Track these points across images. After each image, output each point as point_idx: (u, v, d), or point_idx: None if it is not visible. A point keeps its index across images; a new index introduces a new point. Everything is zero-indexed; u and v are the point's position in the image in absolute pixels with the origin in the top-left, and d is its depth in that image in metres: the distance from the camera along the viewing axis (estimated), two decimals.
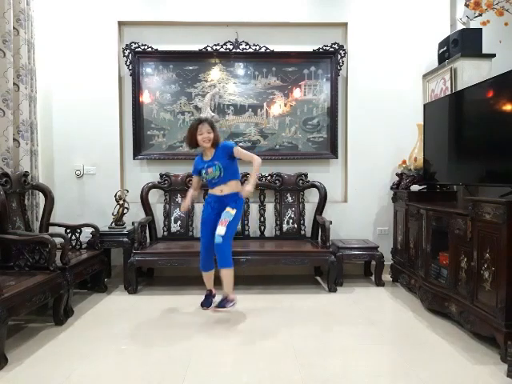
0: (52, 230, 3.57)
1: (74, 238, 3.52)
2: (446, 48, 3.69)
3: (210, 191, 3.14)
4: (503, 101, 2.66)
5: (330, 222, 3.70)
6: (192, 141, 3.08)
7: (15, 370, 2.20)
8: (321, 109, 4.18)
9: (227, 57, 4.12)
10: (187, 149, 3.31)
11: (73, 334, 2.68)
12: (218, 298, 3.16)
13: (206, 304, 3.18)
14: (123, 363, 2.30)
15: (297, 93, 4.16)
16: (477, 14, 3.07)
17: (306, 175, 4.14)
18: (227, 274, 2.97)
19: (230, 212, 2.97)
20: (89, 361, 2.30)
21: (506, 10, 2.95)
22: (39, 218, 3.57)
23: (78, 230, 3.54)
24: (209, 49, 4.07)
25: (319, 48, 4.10)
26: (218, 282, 3.14)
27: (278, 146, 4.18)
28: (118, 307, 3.21)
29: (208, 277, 3.20)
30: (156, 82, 4.14)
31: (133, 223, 3.68)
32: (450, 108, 3.32)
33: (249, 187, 2.92)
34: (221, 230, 2.91)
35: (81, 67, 4.06)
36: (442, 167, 3.41)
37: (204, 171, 3.06)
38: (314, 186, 4.10)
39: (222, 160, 3.00)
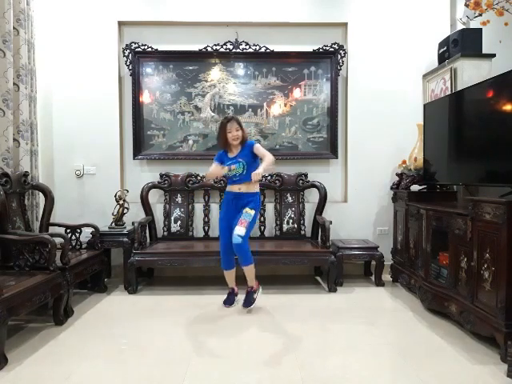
0: (52, 230, 3.57)
1: (74, 238, 3.52)
2: (445, 48, 3.69)
3: (229, 188, 3.15)
4: (503, 101, 2.66)
5: (330, 222, 3.71)
6: (224, 140, 3.08)
7: (15, 370, 2.20)
8: (321, 109, 4.18)
9: (227, 57, 4.12)
10: (220, 146, 3.19)
11: (73, 334, 2.68)
12: (239, 297, 3.24)
13: (228, 302, 3.18)
14: (123, 363, 2.30)
15: (297, 93, 4.16)
16: (477, 14, 3.07)
17: (306, 175, 4.14)
18: (249, 270, 3.06)
19: (249, 213, 3.01)
20: (89, 361, 2.30)
21: (506, 10, 2.95)
22: (39, 218, 3.57)
23: (78, 230, 3.54)
24: (209, 49, 4.07)
25: (319, 48, 4.10)
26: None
27: (277, 146, 4.18)
28: (117, 307, 3.21)
29: (230, 275, 3.20)
30: (156, 82, 4.14)
31: (133, 223, 3.68)
32: (450, 108, 3.32)
33: (259, 170, 2.90)
34: (240, 230, 2.93)
35: (81, 67, 4.06)
36: (442, 167, 3.41)
37: (227, 167, 3.05)
38: (313, 185, 4.10)
39: (247, 158, 3.04)
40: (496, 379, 2.10)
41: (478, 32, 3.45)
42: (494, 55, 3.42)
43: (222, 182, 4.03)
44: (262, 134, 4.17)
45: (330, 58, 4.13)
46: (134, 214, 3.96)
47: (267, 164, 2.95)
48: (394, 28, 4.13)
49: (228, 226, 3.08)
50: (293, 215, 4.10)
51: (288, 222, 4.09)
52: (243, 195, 3.07)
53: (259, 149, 3.07)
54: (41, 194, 3.61)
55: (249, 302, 3.11)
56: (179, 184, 4.09)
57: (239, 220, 2.97)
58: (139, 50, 4.06)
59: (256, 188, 3.14)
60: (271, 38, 4.13)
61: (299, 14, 4.11)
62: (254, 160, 3.09)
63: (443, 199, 3.54)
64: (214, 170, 3.07)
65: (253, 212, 3.03)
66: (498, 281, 2.33)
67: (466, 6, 3.21)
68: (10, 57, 3.25)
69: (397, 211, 3.87)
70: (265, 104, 4.15)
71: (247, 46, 4.08)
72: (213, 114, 4.15)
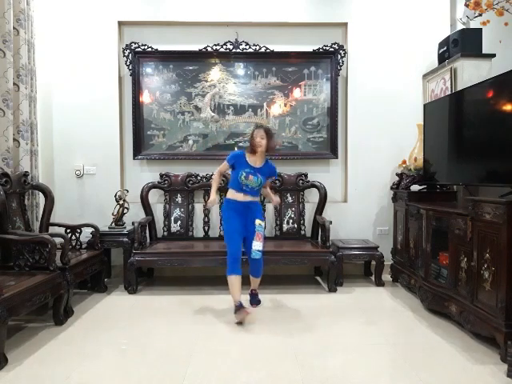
0: (52, 230, 3.57)
1: (74, 238, 3.52)
2: (445, 48, 3.69)
3: (232, 196, 3.07)
4: (503, 101, 2.66)
5: (330, 222, 3.71)
6: (252, 145, 3.09)
7: (15, 369, 2.20)
8: (321, 109, 4.18)
9: (227, 57, 4.12)
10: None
11: (73, 334, 2.68)
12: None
13: (240, 312, 2.86)
14: (123, 363, 2.30)
15: (297, 93, 4.16)
16: (477, 14, 3.07)
17: (306, 175, 4.14)
18: (258, 280, 3.22)
19: (262, 225, 3.03)
20: (89, 361, 2.30)
21: (506, 10, 2.95)
22: (39, 218, 3.57)
23: (78, 230, 3.54)
24: (209, 49, 4.07)
25: (319, 48, 4.10)
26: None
27: (277, 146, 4.17)
28: (118, 307, 3.21)
29: (237, 282, 2.93)
30: (156, 82, 4.14)
31: (133, 223, 3.68)
32: (450, 108, 3.32)
33: (277, 198, 3.39)
34: (258, 245, 2.97)
35: (81, 67, 4.06)
36: (442, 167, 3.41)
37: (245, 174, 2.99)
38: (313, 186, 4.10)
39: (264, 177, 3.10)
40: (496, 379, 2.10)
41: (478, 32, 3.45)
42: (493, 55, 3.42)
43: (222, 181, 4.02)
44: None
45: (329, 58, 4.13)
46: (134, 214, 3.96)
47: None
48: (394, 28, 4.13)
49: (239, 238, 3.02)
50: (293, 215, 4.10)
51: (288, 222, 4.09)
52: (251, 204, 3.08)
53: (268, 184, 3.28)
54: (41, 193, 3.60)
55: (257, 300, 3.26)
56: (179, 184, 4.09)
57: (256, 234, 2.97)
58: (139, 50, 4.06)
59: (258, 198, 3.21)
60: (271, 38, 4.13)
61: (299, 14, 4.11)
62: (266, 181, 3.18)
63: (443, 199, 3.55)
64: (213, 194, 3.10)
65: (263, 223, 3.08)
66: (498, 281, 2.33)
67: (466, 5, 3.21)
68: (9, 57, 3.25)
69: (397, 211, 3.87)
70: (265, 104, 4.15)
71: (247, 46, 4.08)
72: (213, 114, 4.15)
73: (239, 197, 3.04)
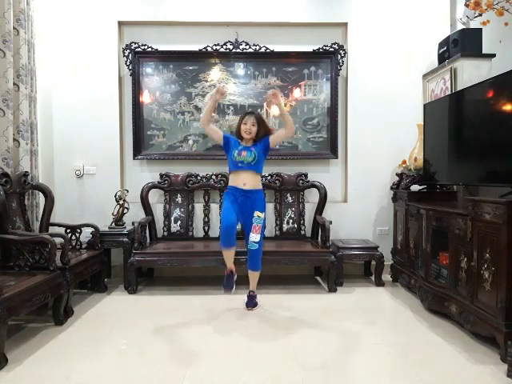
0: (52, 230, 3.56)
1: (74, 237, 3.52)
2: (445, 48, 3.69)
3: (232, 182, 3.10)
4: (503, 101, 2.66)
5: (330, 222, 3.71)
6: (238, 130, 3.12)
7: (15, 370, 2.20)
8: (321, 109, 4.18)
9: (227, 57, 4.12)
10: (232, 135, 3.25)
11: (73, 334, 2.68)
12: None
13: (228, 286, 3.08)
14: (123, 363, 2.30)
15: (297, 93, 4.16)
16: (477, 14, 3.07)
17: (306, 175, 4.14)
18: (256, 275, 3.16)
19: (260, 217, 3.00)
20: (89, 361, 2.30)
21: (506, 10, 2.95)
22: (39, 218, 3.57)
23: (78, 230, 3.54)
24: (209, 49, 4.07)
25: (319, 48, 4.10)
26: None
27: (277, 146, 4.16)
28: (118, 307, 3.21)
29: (229, 254, 3.05)
30: (156, 82, 4.14)
31: (133, 223, 3.68)
32: (449, 108, 3.32)
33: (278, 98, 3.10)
34: (256, 237, 2.97)
35: (81, 67, 4.05)
36: (442, 167, 3.41)
37: (237, 152, 3.04)
38: (313, 185, 4.10)
39: (259, 150, 3.06)
40: (496, 379, 2.10)
41: (478, 32, 3.45)
42: (494, 55, 3.42)
43: (222, 181, 4.04)
44: None
45: (329, 58, 4.12)
46: (134, 214, 3.96)
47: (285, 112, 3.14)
48: (394, 28, 4.13)
49: (233, 212, 2.98)
50: (293, 215, 4.10)
51: (288, 222, 4.09)
52: (249, 192, 3.05)
53: (274, 135, 3.15)
54: (41, 193, 3.60)
55: (253, 303, 3.14)
56: (179, 184, 4.09)
57: (253, 226, 2.98)
58: (139, 50, 4.06)
59: (259, 185, 3.14)
60: (271, 38, 4.13)
61: (299, 14, 4.11)
62: (263, 155, 3.12)
63: (443, 199, 3.55)
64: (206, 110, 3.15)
65: (263, 215, 3.04)
66: (498, 281, 2.33)
67: (466, 5, 3.21)
68: (9, 57, 3.25)
69: (397, 211, 3.87)
70: (265, 104, 4.15)
71: (247, 46, 4.08)
72: (213, 113, 4.14)
73: (238, 182, 3.06)
